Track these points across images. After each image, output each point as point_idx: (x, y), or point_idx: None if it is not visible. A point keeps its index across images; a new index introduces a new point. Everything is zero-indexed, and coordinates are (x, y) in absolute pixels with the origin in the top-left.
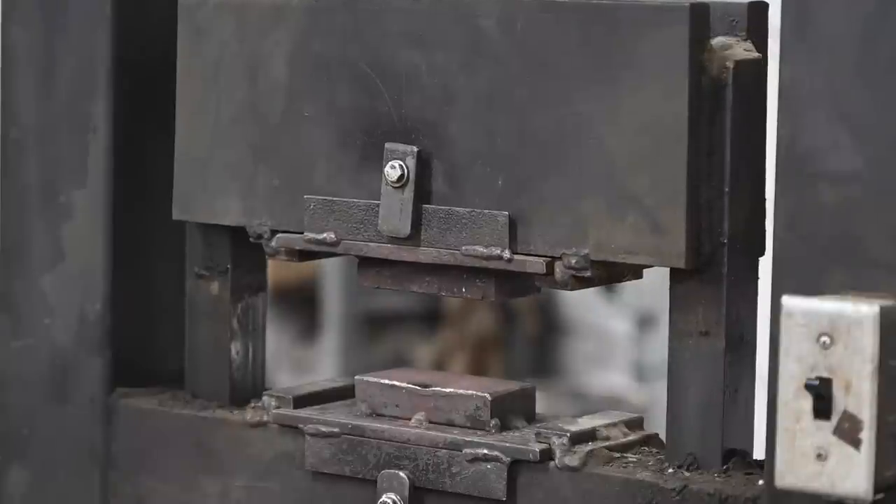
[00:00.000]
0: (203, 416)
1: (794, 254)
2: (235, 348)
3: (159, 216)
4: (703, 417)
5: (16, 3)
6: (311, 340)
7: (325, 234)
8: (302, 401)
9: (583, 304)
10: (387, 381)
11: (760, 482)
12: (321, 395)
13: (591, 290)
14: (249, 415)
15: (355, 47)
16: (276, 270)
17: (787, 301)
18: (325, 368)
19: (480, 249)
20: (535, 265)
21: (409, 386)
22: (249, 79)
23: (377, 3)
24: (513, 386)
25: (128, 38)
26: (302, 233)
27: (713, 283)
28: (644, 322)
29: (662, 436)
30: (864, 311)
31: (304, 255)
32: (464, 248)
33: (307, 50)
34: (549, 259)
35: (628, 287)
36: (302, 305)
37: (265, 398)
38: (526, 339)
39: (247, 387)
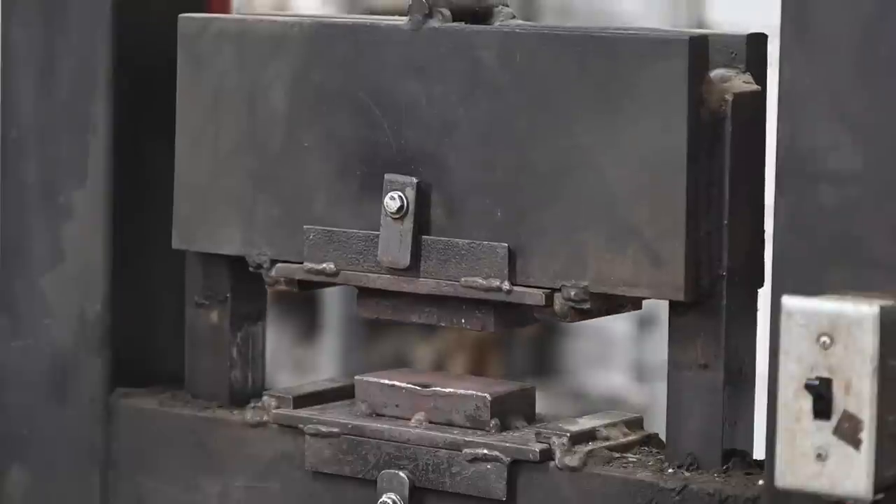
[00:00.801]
0: (203, 416)
1: (794, 254)
2: (234, 375)
3: (159, 216)
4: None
5: (16, 3)
6: (311, 340)
7: (324, 265)
8: (302, 401)
9: None
10: (387, 381)
11: (760, 482)
12: (321, 395)
13: None
14: (249, 415)
15: (355, 78)
16: None
17: (787, 301)
18: (325, 368)
19: (480, 281)
20: (535, 297)
21: (409, 386)
22: (249, 108)
23: (377, 33)
24: (513, 386)
25: (128, 38)
26: (301, 263)
27: (712, 315)
28: (644, 322)
29: (662, 436)
30: (864, 311)
31: (304, 284)
32: (463, 279)
33: (307, 80)
34: (548, 291)
35: None
36: (302, 305)
37: (265, 398)
38: (526, 339)
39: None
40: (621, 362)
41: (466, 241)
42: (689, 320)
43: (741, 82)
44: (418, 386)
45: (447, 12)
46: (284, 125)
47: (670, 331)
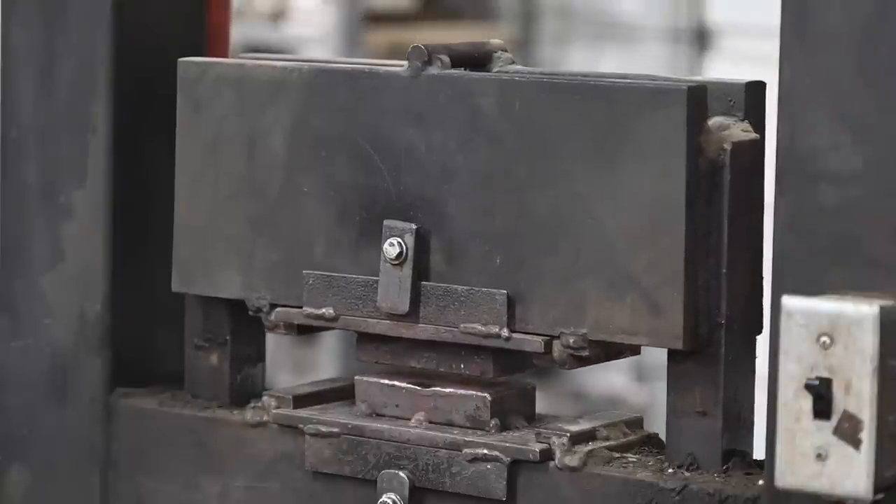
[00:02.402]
0: (203, 416)
1: (794, 254)
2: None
3: (159, 215)
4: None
5: (16, 3)
6: (311, 340)
7: (323, 310)
8: (302, 401)
9: None
10: (387, 381)
11: (760, 482)
12: (321, 395)
13: None
14: (249, 415)
15: (354, 124)
16: None
17: (787, 301)
18: (325, 368)
19: (479, 327)
20: (534, 344)
21: (409, 386)
22: (248, 153)
23: (376, 79)
24: (513, 386)
25: (128, 38)
26: (301, 307)
27: (711, 363)
28: None
29: (662, 436)
30: (864, 311)
31: (303, 329)
32: (462, 325)
33: (306, 125)
34: (547, 338)
35: None
36: None
37: (265, 398)
38: None
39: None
40: (621, 362)
41: (465, 287)
42: (687, 368)
43: (739, 130)
44: (418, 386)
45: (446, 59)
46: (284, 170)
47: (669, 378)
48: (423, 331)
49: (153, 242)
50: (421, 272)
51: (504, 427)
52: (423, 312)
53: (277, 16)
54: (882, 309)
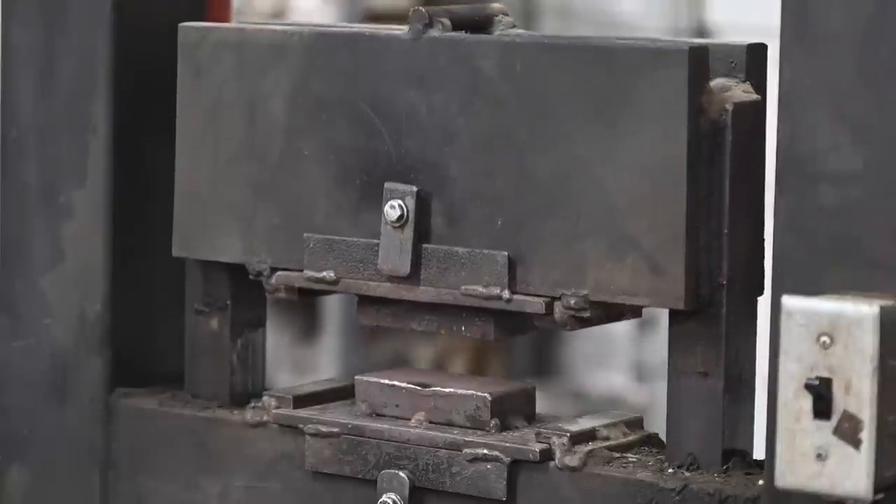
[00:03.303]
0: (203, 416)
1: (794, 254)
2: (233, 382)
3: (159, 216)
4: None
5: (16, 3)
6: (311, 340)
7: (324, 273)
8: (302, 401)
9: None
10: (387, 381)
11: (760, 482)
12: (321, 395)
13: None
14: (249, 415)
15: (355, 87)
16: None
17: (787, 301)
18: (325, 368)
19: (480, 289)
20: (535, 305)
21: (409, 386)
22: (249, 117)
23: (377, 42)
24: (513, 386)
25: (128, 38)
26: (301, 271)
27: (712, 324)
28: (644, 322)
29: (662, 436)
30: (864, 311)
31: (304, 292)
32: (463, 287)
33: (306, 89)
34: (548, 299)
35: None
36: (302, 305)
37: (265, 398)
38: (526, 339)
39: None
40: (621, 362)
41: (466, 249)
42: (688, 328)
43: (741, 92)
44: (418, 386)
45: (447, 22)
46: (284, 134)
47: (670, 339)
48: (423, 293)
49: (153, 242)
50: (422, 234)
51: (504, 427)
52: (423, 275)
53: (277, 15)
54: (882, 309)
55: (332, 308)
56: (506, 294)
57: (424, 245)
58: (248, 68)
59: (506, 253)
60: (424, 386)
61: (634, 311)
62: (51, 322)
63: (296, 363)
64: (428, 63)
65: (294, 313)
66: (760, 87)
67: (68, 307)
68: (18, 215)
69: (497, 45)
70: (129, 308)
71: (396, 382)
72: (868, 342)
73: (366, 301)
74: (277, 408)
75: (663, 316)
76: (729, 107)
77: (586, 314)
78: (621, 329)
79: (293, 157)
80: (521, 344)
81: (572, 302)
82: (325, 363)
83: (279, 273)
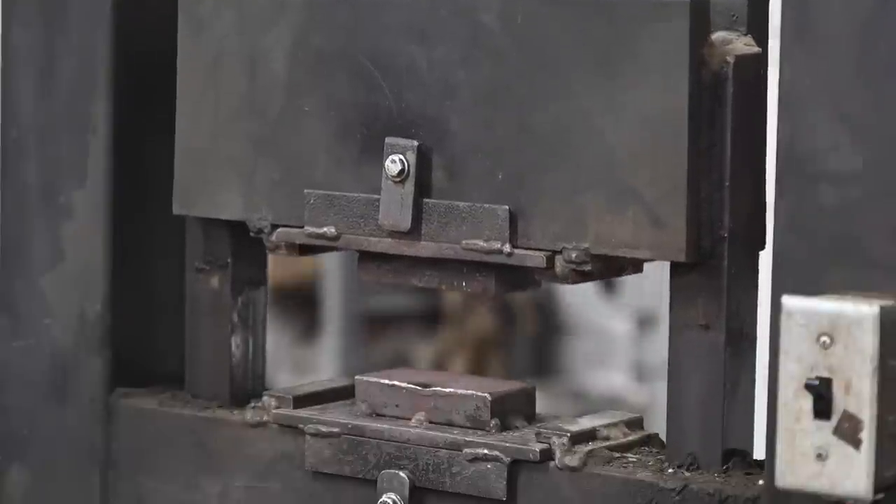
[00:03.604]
0: (203, 416)
1: (794, 254)
2: (235, 342)
3: (159, 216)
4: (703, 414)
5: (16, 3)
6: (311, 340)
7: (325, 229)
8: (302, 401)
9: (583, 303)
10: (387, 381)
11: (760, 482)
12: (321, 395)
13: (592, 290)
14: (249, 415)
15: (355, 41)
16: (277, 271)
17: (787, 301)
18: (325, 368)
19: (481, 243)
20: (536, 259)
21: (409, 386)
22: (249, 73)
23: None
24: (513, 386)
25: (128, 37)
26: (302, 227)
27: (713, 276)
28: (644, 322)
29: (662, 436)
30: (864, 311)
31: (305, 249)
32: (464, 242)
33: (307, 44)
34: (549, 253)
35: (628, 286)
36: (302, 305)
37: (265, 398)
38: (526, 339)
39: (247, 387)
40: (621, 362)
41: (467, 203)
42: (690, 281)
43: (742, 45)
44: (418, 386)
45: None
46: (285, 89)
47: (671, 292)
48: (424, 248)
49: (153, 242)
50: (423, 189)
51: (504, 427)
52: (424, 230)
53: None
54: (882, 309)
55: (332, 308)
56: (507, 248)
57: (425, 200)
58: (248, 23)
59: (507, 207)
60: (424, 386)
61: (635, 266)
62: (51, 322)
63: (296, 363)
64: (428, 16)
65: (294, 313)
66: (761, 41)
67: (68, 307)
68: (18, 215)
69: None
70: (129, 308)
71: (396, 382)
72: (868, 342)
73: (366, 257)
74: (277, 408)
75: (663, 316)
76: (730, 59)
77: (587, 268)
78: (621, 329)
79: (294, 112)
80: (522, 344)
81: (573, 255)
82: (325, 363)
83: (280, 230)
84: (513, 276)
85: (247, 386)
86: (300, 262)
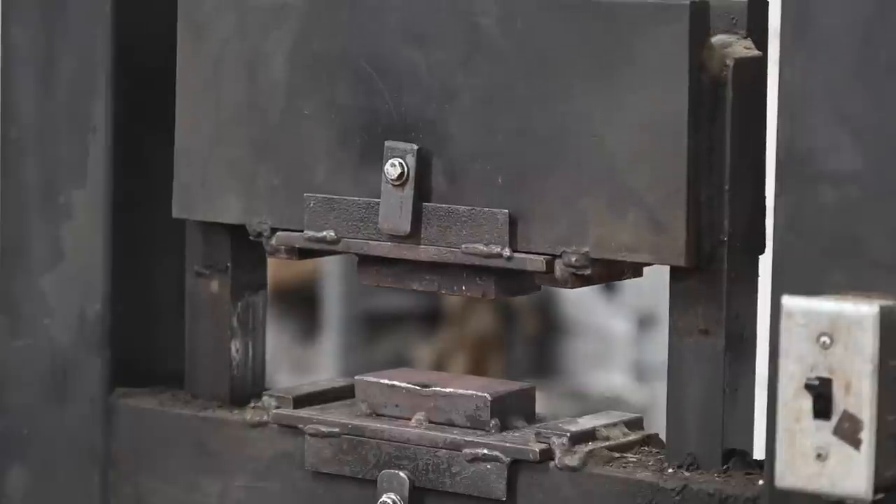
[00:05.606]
0: (203, 416)
1: (794, 254)
2: (235, 347)
3: (159, 216)
4: (703, 417)
5: (16, 3)
6: (311, 340)
7: (325, 233)
8: (302, 401)
9: (583, 303)
10: (387, 381)
11: (760, 482)
12: (321, 395)
13: (592, 290)
14: (249, 415)
15: (355, 45)
16: (276, 271)
17: (787, 301)
18: (325, 368)
19: (480, 247)
20: (535, 263)
21: (409, 386)
22: (249, 76)
23: (377, 0)
24: (513, 386)
25: (128, 37)
26: (302, 231)
27: (713, 281)
28: (644, 322)
29: (662, 436)
30: (864, 311)
31: (304, 253)
32: (464, 246)
33: (307, 48)
34: (549, 257)
35: (628, 287)
36: (302, 305)
37: (265, 398)
38: (526, 339)
39: (247, 387)
40: (621, 362)
41: (467, 207)
42: (689, 286)
43: (742, 48)
44: (418, 386)
45: None
46: (285, 93)
47: (671, 296)
48: (424, 252)
49: (153, 242)
50: (422, 193)
51: (504, 427)
52: (424, 233)
53: None
54: (882, 309)
55: (332, 308)
56: (506, 252)
57: (425, 203)
58: (248, 27)
59: (506, 210)
60: (424, 386)
61: (635, 270)
62: (51, 322)
63: (296, 363)
64: (428, 20)
65: (294, 313)
66: (761, 44)
67: (68, 307)
68: (18, 215)
69: (497, 1)
70: (129, 308)
71: (396, 382)
72: (868, 342)
73: (366, 261)
74: (277, 408)
75: (663, 314)
76: (730, 63)
77: (587, 272)
78: (621, 329)
79: (293, 116)
80: (521, 344)
81: (573, 259)
82: (325, 363)
83: (279, 233)
84: (512, 280)
85: (247, 386)
86: (300, 263)
